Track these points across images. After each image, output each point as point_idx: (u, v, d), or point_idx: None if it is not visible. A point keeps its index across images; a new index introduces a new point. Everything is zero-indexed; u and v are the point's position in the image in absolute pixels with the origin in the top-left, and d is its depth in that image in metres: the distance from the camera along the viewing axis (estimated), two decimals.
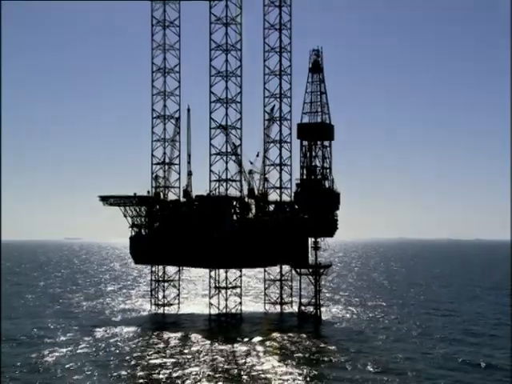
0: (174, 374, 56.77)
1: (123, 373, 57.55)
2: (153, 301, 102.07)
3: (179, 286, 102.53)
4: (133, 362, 62.22)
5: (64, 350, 68.72)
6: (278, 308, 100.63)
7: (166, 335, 78.04)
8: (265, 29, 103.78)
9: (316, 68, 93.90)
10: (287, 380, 54.92)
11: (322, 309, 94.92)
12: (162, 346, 71.38)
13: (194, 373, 57.21)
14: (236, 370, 57.98)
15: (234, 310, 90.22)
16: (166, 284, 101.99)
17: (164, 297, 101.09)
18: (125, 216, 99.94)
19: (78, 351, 68.02)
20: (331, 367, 60.93)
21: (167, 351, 67.89)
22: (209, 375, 56.49)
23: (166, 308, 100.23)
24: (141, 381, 54.71)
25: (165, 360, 63.00)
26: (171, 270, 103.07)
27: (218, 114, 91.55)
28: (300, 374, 57.03)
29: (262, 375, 56.46)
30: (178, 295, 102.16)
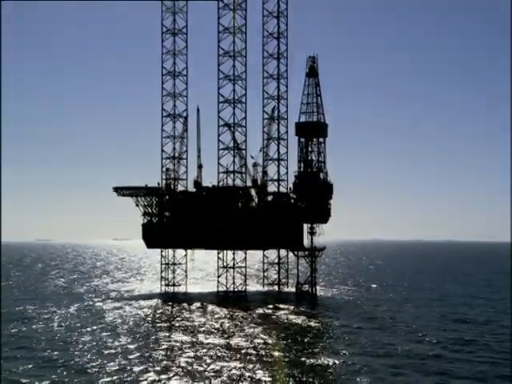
0: (185, 338, 63.02)
1: (138, 336, 64.47)
2: (163, 282, 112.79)
3: (186, 268, 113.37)
4: (149, 325, 72.26)
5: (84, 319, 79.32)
6: (276, 288, 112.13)
7: (178, 306, 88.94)
8: (264, 37, 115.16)
9: (312, 72, 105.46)
10: (286, 337, 66.07)
11: (317, 287, 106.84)
12: (174, 312, 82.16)
13: (202, 335, 64.55)
14: (241, 333, 67.73)
15: (239, 288, 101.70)
16: (174, 266, 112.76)
17: (174, 278, 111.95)
18: (137, 205, 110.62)
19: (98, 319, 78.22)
20: (323, 322, 73.11)
21: (179, 317, 77.84)
22: (216, 335, 66.22)
23: (175, 288, 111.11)
24: (156, 345, 61.09)
25: (178, 323, 72.79)
26: (179, 254, 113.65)
27: (224, 113, 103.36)
28: (299, 331, 68.47)
29: (268, 335, 67.64)
30: (186, 276, 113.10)
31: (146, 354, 54.58)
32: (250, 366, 50.05)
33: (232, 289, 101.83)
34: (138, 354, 54.89)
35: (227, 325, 71.45)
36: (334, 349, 57.82)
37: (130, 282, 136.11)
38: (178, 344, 59.48)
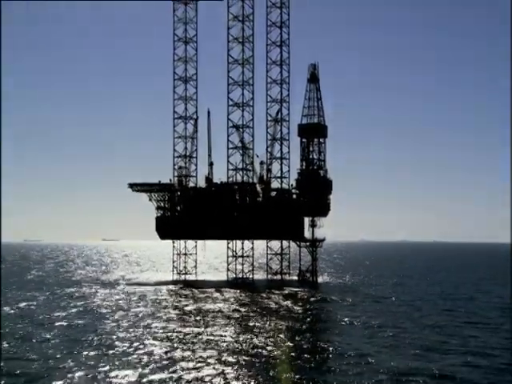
0: (197, 317, 67.57)
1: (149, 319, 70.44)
2: (174, 271, 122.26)
3: (196, 258, 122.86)
4: (163, 305, 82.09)
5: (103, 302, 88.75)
6: (279, 277, 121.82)
7: (190, 290, 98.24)
8: (267, 45, 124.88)
9: (313, 79, 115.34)
10: (291, 313, 75.89)
11: (318, 277, 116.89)
12: (187, 294, 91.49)
13: (213, 315, 69.72)
14: (249, 312, 77.62)
15: (247, 275, 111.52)
16: (185, 256, 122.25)
17: (185, 267, 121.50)
18: (150, 200, 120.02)
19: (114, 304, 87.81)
20: (325, 303, 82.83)
21: (192, 299, 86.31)
22: (226, 315, 75.33)
23: (187, 276, 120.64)
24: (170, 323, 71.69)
25: (192, 304, 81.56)
26: (190, 245, 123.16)
27: (233, 115, 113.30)
28: (301, 311, 78.31)
29: (274, 312, 77.39)
30: (196, 266, 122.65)
31: (161, 325, 62.45)
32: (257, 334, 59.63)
33: (241, 276, 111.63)
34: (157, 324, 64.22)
35: (235, 306, 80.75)
36: (340, 315, 67.74)
37: (143, 273, 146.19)
38: (189, 319, 68.36)
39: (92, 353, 47.88)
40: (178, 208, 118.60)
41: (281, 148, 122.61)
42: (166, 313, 71.08)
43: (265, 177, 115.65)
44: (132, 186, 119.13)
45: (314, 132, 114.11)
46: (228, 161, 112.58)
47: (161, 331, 58.00)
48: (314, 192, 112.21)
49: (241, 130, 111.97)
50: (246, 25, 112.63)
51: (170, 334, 56.66)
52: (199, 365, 43.71)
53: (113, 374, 41.47)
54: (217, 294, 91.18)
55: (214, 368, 42.82)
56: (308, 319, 67.01)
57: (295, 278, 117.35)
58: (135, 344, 51.19)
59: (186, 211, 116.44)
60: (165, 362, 44.67)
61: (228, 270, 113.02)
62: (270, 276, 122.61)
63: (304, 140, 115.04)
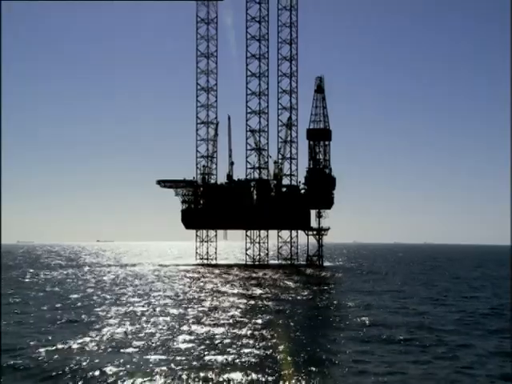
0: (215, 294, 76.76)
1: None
2: (197, 257, 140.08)
3: (217, 245, 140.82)
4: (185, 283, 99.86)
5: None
6: (289, 262, 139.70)
7: (212, 269, 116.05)
8: (278, 59, 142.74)
9: (319, 90, 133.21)
10: (297, 287, 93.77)
11: (324, 260, 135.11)
12: (209, 274, 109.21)
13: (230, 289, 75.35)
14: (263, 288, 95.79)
15: (263, 259, 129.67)
16: (207, 244, 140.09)
17: (207, 253, 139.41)
18: (176, 195, 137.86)
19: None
20: (331, 276, 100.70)
21: (214, 278, 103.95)
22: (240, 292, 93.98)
23: (209, 261, 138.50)
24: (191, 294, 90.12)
25: (212, 281, 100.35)
26: (211, 234, 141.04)
27: (250, 121, 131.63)
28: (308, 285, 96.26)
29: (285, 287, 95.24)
30: (216, 252, 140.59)
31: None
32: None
33: (258, 260, 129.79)
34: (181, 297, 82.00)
35: (252, 274, 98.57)
36: (343, 288, 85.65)
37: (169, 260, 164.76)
38: (214, 279, 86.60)
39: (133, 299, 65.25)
40: (201, 201, 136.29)
41: (290, 150, 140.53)
42: (191, 281, 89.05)
43: (277, 175, 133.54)
44: (160, 182, 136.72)
45: (320, 136, 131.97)
46: (246, 160, 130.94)
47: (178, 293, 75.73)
48: (320, 187, 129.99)
49: (257, 134, 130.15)
50: (262, 43, 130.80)
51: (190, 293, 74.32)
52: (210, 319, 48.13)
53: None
54: (236, 271, 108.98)
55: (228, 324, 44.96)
56: (318, 280, 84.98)
57: (303, 262, 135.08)
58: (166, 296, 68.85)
59: (208, 204, 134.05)
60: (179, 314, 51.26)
61: (246, 254, 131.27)
62: (280, 261, 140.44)
63: (311, 143, 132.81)
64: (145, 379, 28.32)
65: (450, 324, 46.16)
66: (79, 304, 57.45)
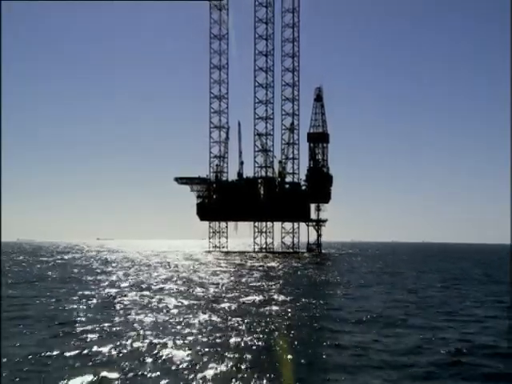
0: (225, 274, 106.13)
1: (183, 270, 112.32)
2: (210, 244, 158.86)
3: (227, 235, 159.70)
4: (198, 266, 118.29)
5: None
6: (291, 250, 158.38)
7: (224, 255, 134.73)
8: (282, 71, 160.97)
9: (318, 98, 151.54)
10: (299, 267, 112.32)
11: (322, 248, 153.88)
12: (221, 257, 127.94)
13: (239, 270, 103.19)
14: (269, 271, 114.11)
15: (269, 246, 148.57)
16: (219, 234, 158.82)
17: (219, 241, 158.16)
18: (192, 190, 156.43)
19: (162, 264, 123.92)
20: (328, 254, 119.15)
21: (224, 261, 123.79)
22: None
23: (221, 249, 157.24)
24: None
25: (224, 264, 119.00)
26: (222, 226, 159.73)
27: (258, 126, 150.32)
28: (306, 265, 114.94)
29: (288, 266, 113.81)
30: (227, 241, 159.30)
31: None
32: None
33: (264, 247, 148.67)
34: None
35: (260, 256, 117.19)
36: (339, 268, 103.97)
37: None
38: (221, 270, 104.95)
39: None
40: (214, 197, 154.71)
41: (293, 151, 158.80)
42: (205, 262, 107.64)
43: (281, 173, 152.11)
44: (177, 179, 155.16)
45: (319, 139, 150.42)
46: (254, 160, 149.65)
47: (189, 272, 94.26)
48: (319, 184, 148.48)
49: (263, 137, 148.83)
50: (268, 58, 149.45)
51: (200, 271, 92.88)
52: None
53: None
54: (245, 256, 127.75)
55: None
56: (317, 260, 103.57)
57: (304, 250, 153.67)
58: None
59: (220, 199, 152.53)
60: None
61: (254, 242, 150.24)
62: (284, 249, 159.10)
63: (311, 145, 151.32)
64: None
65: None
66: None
